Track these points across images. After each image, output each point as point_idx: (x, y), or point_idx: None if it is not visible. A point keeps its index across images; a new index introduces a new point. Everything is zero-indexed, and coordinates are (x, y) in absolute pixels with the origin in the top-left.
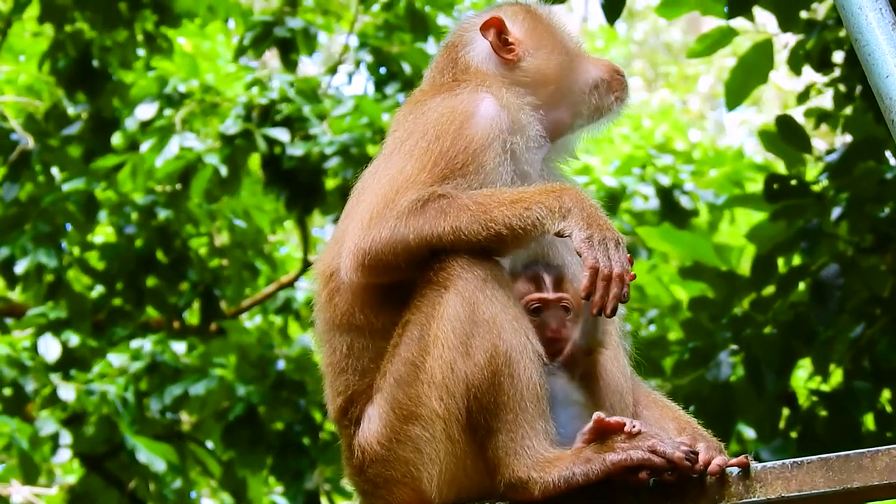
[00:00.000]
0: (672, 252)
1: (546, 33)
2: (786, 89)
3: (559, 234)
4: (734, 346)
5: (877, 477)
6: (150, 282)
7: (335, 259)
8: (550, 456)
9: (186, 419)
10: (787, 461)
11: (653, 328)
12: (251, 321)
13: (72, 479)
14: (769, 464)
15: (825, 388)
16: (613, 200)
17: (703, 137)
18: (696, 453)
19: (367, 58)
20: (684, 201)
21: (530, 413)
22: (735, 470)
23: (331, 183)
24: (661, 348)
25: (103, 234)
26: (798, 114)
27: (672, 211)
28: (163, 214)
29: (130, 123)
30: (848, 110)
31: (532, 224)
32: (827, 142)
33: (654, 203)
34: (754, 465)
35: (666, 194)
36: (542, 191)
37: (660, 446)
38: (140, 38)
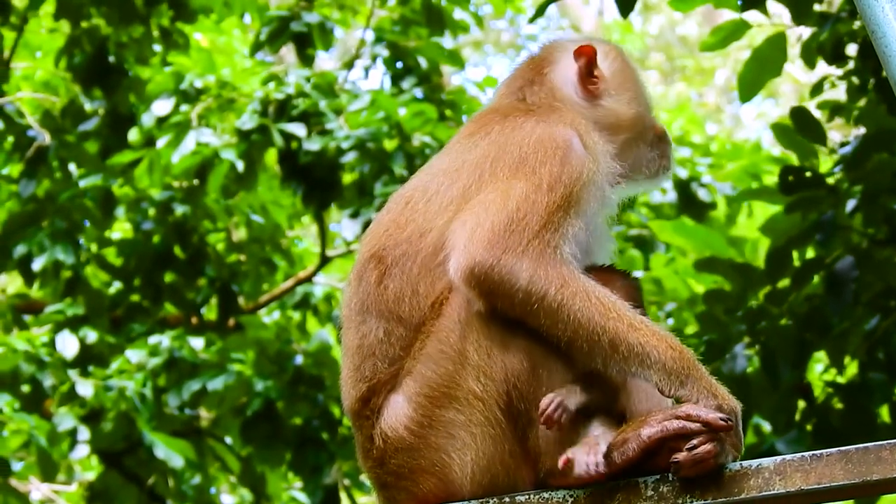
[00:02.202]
0: (687, 246)
1: (631, 80)
2: (802, 81)
3: (675, 398)
4: (749, 339)
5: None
6: (168, 278)
7: (387, 237)
8: (589, 441)
9: (205, 415)
10: (805, 454)
11: (671, 322)
12: (269, 316)
13: (91, 475)
14: (788, 456)
15: (840, 380)
16: None
17: (720, 130)
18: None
19: (384, 52)
20: (702, 194)
21: (571, 403)
22: (736, 465)
23: (347, 178)
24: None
25: (121, 230)
26: (812, 106)
27: (690, 204)
28: (180, 210)
29: (147, 119)
30: (861, 102)
31: (638, 361)
32: (843, 133)
33: (671, 196)
34: (773, 458)
35: (683, 187)
36: (660, 334)
37: (693, 411)
38: (156, 33)
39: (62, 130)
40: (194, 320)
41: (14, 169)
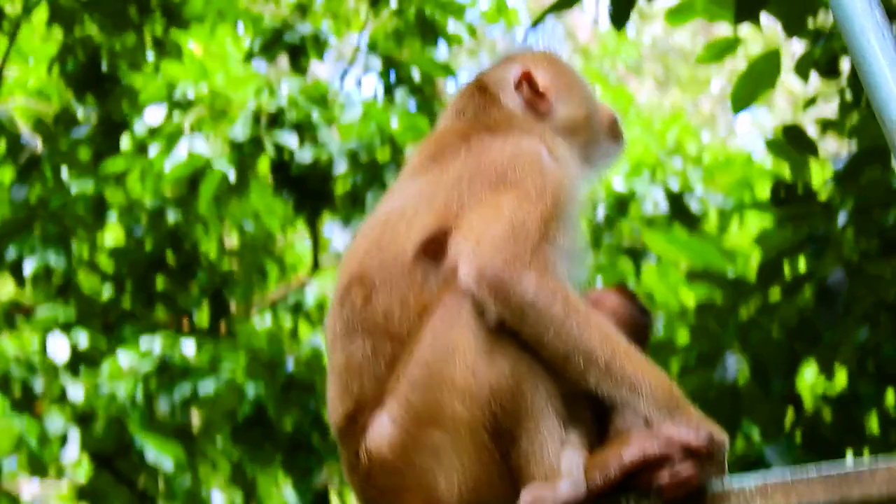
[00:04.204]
0: (679, 257)
1: (573, 82)
2: (797, 91)
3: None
4: (740, 350)
5: (875, 488)
6: (160, 284)
7: (369, 259)
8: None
9: (197, 420)
10: (787, 474)
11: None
12: (261, 322)
13: (82, 476)
14: (770, 476)
15: (831, 391)
16: (623, 205)
17: (714, 139)
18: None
19: (377, 63)
20: (694, 205)
21: (551, 420)
22: (717, 485)
23: (340, 188)
24: (667, 351)
25: (113, 235)
26: (809, 118)
27: (681, 215)
28: (172, 217)
29: (139, 128)
30: (854, 118)
31: (629, 387)
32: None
33: (663, 207)
34: (755, 478)
35: (675, 199)
36: (652, 366)
37: (675, 433)
38: (149, 41)
39: (55, 137)
40: (186, 325)
41: (6, 174)
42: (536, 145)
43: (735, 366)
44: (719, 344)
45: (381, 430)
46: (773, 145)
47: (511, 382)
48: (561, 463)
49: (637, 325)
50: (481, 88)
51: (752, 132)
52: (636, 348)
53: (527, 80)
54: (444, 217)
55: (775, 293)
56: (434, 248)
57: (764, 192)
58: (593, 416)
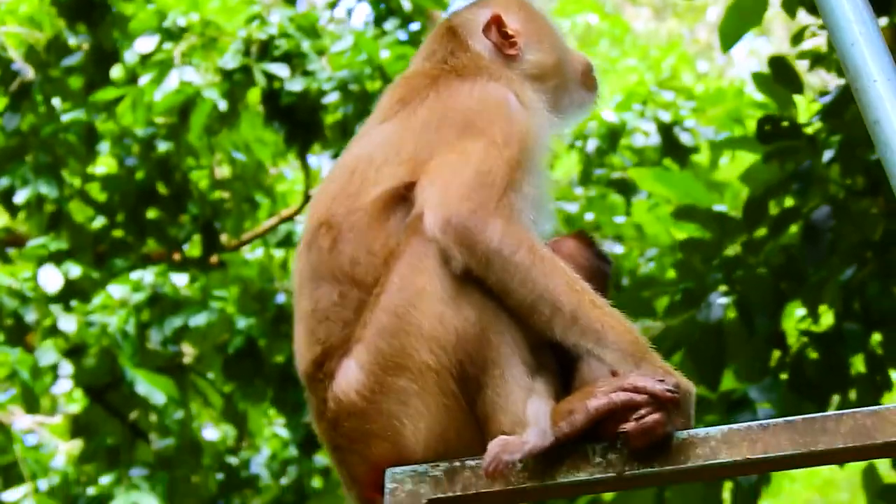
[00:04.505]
0: (667, 193)
1: (544, 27)
2: (794, 21)
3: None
4: (725, 288)
5: (840, 440)
6: (151, 214)
7: (337, 205)
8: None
9: (188, 351)
10: (753, 423)
11: (652, 265)
12: (252, 254)
13: (75, 408)
14: (735, 426)
15: (815, 329)
16: (614, 136)
17: (711, 68)
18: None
19: None
20: (685, 138)
21: (517, 369)
22: (683, 434)
23: (330, 118)
24: (654, 287)
25: (105, 164)
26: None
27: (672, 148)
28: (163, 147)
29: (130, 56)
30: None
31: (594, 337)
32: (824, 82)
33: (654, 139)
34: (721, 428)
35: (666, 131)
36: (618, 316)
37: (640, 381)
38: None
39: (46, 65)
40: (177, 257)
41: None
42: (504, 91)
43: (720, 305)
44: (705, 280)
45: (348, 376)
46: (759, 79)
47: (477, 330)
48: (527, 412)
49: (597, 272)
50: (451, 31)
51: (749, 61)
52: (602, 299)
53: (496, 23)
54: (411, 167)
55: (761, 230)
56: (401, 196)
57: (754, 127)
58: (558, 366)
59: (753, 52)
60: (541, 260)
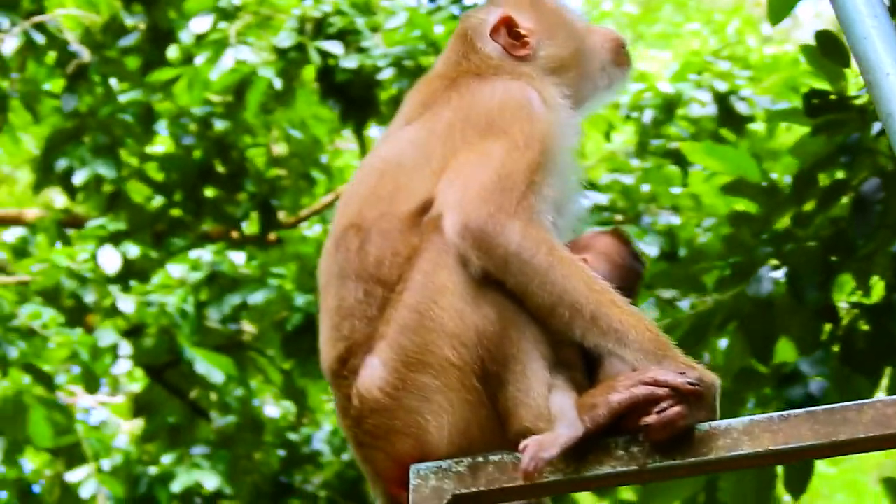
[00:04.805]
0: (718, 167)
1: (556, 19)
2: None
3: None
4: (775, 262)
5: (862, 429)
6: (209, 192)
7: (368, 208)
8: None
9: (247, 329)
10: (773, 415)
11: (709, 235)
12: (310, 231)
13: (137, 387)
14: (756, 417)
15: (866, 301)
16: (670, 107)
17: (776, 31)
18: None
19: None
20: (741, 108)
21: (538, 364)
22: (704, 426)
23: (384, 94)
24: (705, 262)
25: (163, 143)
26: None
27: (729, 117)
28: (220, 125)
29: (185, 36)
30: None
31: (615, 337)
32: None
33: (711, 109)
34: (742, 419)
35: (723, 100)
36: (639, 315)
37: (661, 375)
38: None
39: (103, 46)
40: (235, 235)
41: (56, 84)
42: (526, 90)
43: (769, 279)
44: (754, 256)
45: (372, 373)
46: (808, 52)
47: (497, 327)
48: (552, 406)
49: (630, 271)
50: (463, 33)
51: (815, 23)
52: (622, 297)
53: (506, 24)
54: (440, 168)
55: (810, 203)
56: (432, 206)
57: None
58: (583, 360)
59: (819, 15)
60: (560, 261)
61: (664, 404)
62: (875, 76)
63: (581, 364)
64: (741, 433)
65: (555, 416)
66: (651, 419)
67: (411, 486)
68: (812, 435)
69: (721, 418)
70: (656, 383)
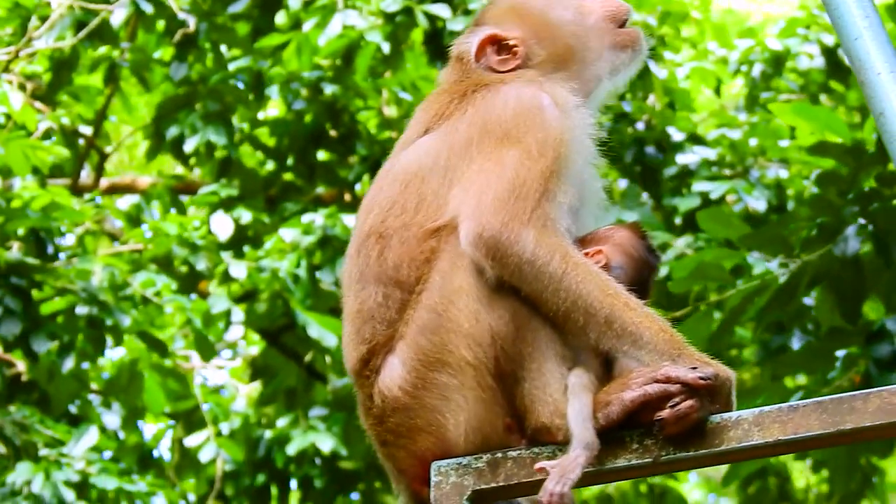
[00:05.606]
0: (807, 127)
1: (541, 21)
2: None
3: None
4: (861, 221)
5: (868, 418)
6: (321, 156)
7: (392, 218)
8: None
9: None
10: (783, 405)
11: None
12: None
13: (254, 350)
14: (766, 408)
15: None
16: (778, 62)
17: None
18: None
19: None
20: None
21: (553, 361)
22: (716, 418)
23: None
24: (793, 224)
25: (275, 108)
26: None
27: (837, 70)
28: (330, 90)
29: (294, 2)
30: None
31: (630, 340)
32: None
33: (819, 62)
34: (752, 410)
35: (830, 54)
36: (653, 316)
37: (673, 372)
38: None
39: (212, 14)
40: (347, 198)
41: (166, 53)
42: (539, 96)
43: (856, 238)
44: (840, 214)
45: (392, 373)
46: (892, 10)
47: (511, 328)
48: (569, 416)
49: (644, 265)
50: (459, 59)
51: None
52: (636, 299)
53: (491, 43)
54: (458, 179)
55: None
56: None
57: None
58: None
59: None
60: (574, 267)
61: (677, 399)
62: (867, 75)
63: (597, 360)
64: (752, 424)
65: (571, 431)
66: (665, 413)
67: (432, 483)
68: (820, 425)
69: (809, 376)
70: (668, 380)
